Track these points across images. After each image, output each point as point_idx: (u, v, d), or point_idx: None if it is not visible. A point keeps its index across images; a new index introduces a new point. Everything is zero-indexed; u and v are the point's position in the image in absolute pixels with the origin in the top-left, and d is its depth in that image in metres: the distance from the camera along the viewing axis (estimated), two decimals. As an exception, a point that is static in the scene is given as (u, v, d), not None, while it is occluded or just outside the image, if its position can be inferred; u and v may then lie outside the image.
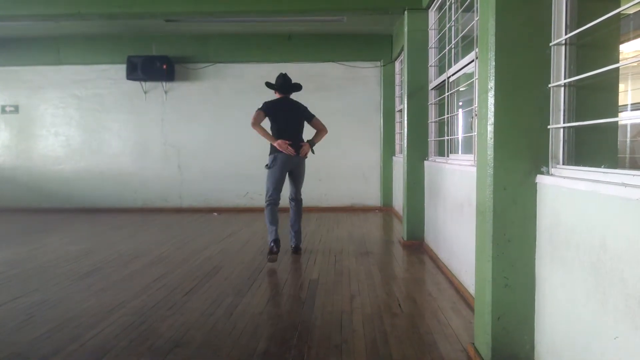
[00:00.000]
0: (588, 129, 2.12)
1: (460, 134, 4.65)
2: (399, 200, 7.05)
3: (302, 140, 4.65)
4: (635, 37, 4.32)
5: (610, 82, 2.28)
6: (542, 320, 2.17)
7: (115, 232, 6.29)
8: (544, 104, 2.19)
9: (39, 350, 2.55)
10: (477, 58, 3.28)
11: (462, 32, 4.07)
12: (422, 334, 2.77)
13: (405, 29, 5.24)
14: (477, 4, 3.15)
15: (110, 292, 3.61)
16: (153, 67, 7.78)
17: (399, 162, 6.79)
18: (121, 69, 7.97)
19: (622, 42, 3.94)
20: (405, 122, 5.31)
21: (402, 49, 6.16)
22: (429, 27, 5.14)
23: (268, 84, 4.78)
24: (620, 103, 3.34)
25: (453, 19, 4.21)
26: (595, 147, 2.24)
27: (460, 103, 6.27)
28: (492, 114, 2.25)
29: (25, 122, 8.47)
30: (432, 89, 5.10)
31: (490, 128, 2.28)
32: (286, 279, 4.01)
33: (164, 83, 8.21)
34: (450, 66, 4.26)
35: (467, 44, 3.86)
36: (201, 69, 8.22)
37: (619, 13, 1.67)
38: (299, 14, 5.85)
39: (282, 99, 4.69)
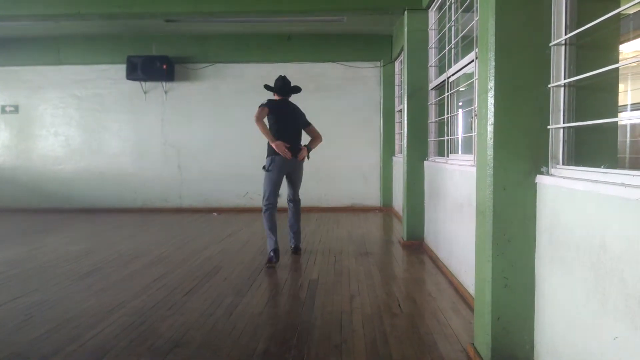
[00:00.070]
0: (588, 129, 2.12)
1: (460, 134, 4.65)
2: (398, 201, 7.05)
3: (301, 144, 4.62)
4: (635, 38, 4.32)
5: (610, 83, 2.28)
6: (541, 321, 2.17)
7: (115, 232, 6.29)
8: (543, 104, 2.19)
9: (38, 350, 2.55)
10: (477, 58, 3.28)
11: (462, 32, 4.07)
12: (421, 334, 2.77)
13: (405, 29, 5.24)
14: (476, 4, 3.16)
15: (110, 292, 3.61)
16: (153, 67, 7.79)
17: (399, 162, 6.79)
18: (121, 69, 7.98)
19: (622, 43, 3.94)
20: (405, 122, 5.31)
21: (402, 49, 6.16)
22: (429, 27, 5.14)
23: (267, 87, 4.74)
24: (620, 103, 3.34)
25: (453, 19, 4.21)
26: (594, 148, 2.24)
27: (460, 103, 6.27)
28: (492, 114, 2.25)
29: (25, 122, 8.48)
30: (432, 89, 5.10)
31: (490, 128, 2.28)
32: (286, 279, 4.01)
33: (163, 83, 8.21)
34: (450, 66, 4.26)
35: (467, 44, 3.86)
36: (201, 69, 8.22)
37: (618, 13, 1.68)
38: (299, 14, 5.85)
39: (281, 100, 4.65)
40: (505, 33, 2.21)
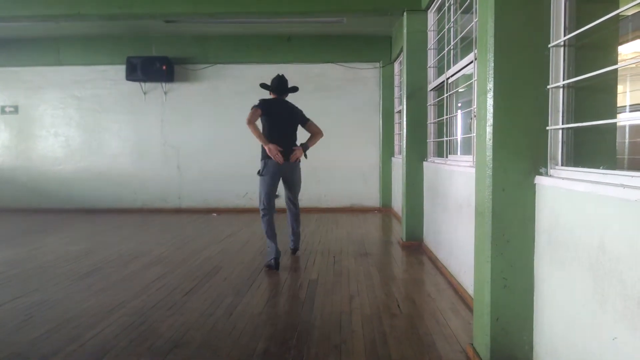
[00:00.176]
0: (587, 130, 2.13)
1: (459, 135, 4.66)
2: (398, 201, 7.05)
3: (295, 145, 4.46)
4: (633, 39, 4.32)
5: (609, 84, 2.28)
6: (540, 321, 2.17)
7: (115, 233, 6.29)
8: (542, 105, 2.20)
9: (38, 350, 2.56)
10: (476, 59, 3.27)
11: (461, 34, 4.07)
12: (421, 335, 2.77)
13: (405, 30, 5.25)
14: (476, 5, 3.17)
15: (110, 292, 3.61)
16: (153, 67, 7.79)
17: (398, 162, 6.80)
18: (121, 69, 7.98)
19: (621, 44, 3.94)
20: (405, 123, 5.31)
21: (401, 50, 6.17)
22: (428, 28, 5.15)
23: (263, 85, 4.62)
24: (618, 104, 3.34)
25: (452, 20, 4.22)
26: (594, 148, 2.25)
27: (460, 104, 6.27)
28: (491, 115, 2.26)
29: (25, 122, 8.48)
30: (431, 90, 5.10)
31: (489, 129, 2.28)
32: (285, 279, 4.02)
33: (163, 84, 8.21)
34: (449, 67, 4.26)
35: (466, 45, 3.87)
36: (201, 70, 8.23)
37: (617, 14, 1.68)
38: (299, 15, 5.86)
39: (277, 99, 4.54)
40: (504, 34, 2.22)
